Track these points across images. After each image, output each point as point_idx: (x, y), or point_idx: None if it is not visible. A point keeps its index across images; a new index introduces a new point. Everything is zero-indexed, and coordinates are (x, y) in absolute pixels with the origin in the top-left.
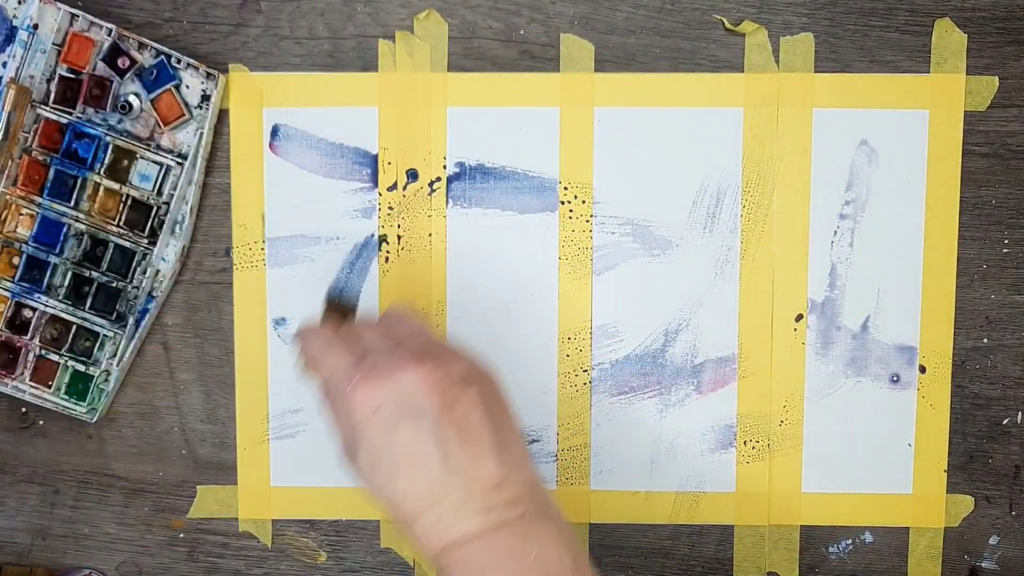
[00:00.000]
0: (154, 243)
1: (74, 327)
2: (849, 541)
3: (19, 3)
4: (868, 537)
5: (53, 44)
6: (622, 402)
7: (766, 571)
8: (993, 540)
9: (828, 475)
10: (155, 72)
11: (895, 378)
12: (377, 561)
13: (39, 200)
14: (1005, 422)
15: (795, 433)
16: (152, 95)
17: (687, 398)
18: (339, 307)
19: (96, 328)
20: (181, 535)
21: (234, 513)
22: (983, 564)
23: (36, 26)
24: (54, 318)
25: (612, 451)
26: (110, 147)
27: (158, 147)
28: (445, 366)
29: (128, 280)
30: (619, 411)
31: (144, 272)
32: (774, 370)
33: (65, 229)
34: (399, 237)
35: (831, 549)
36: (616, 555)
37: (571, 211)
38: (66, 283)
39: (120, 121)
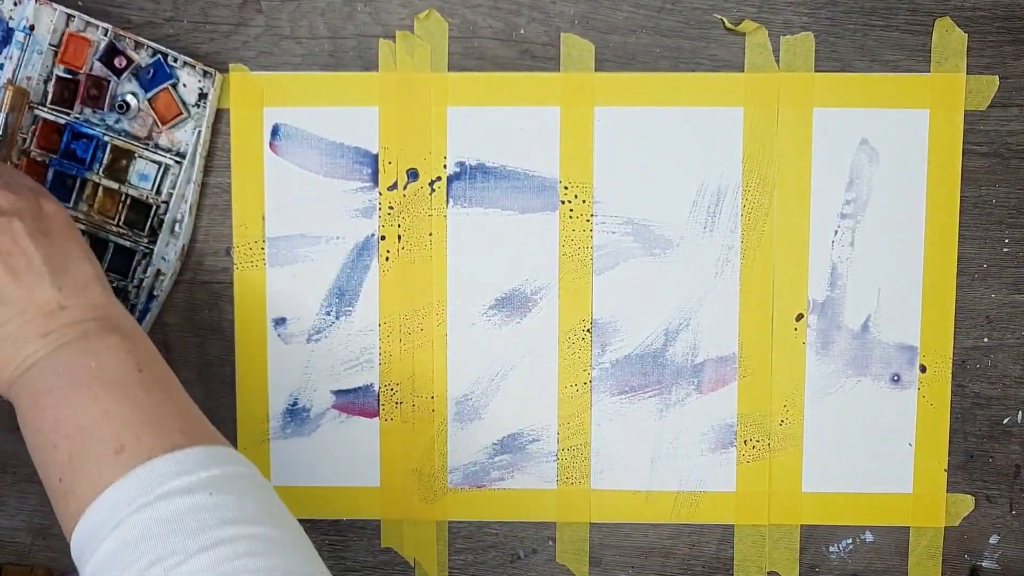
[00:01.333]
0: (154, 242)
1: None
2: (849, 540)
3: (15, 4)
4: (868, 536)
5: (50, 45)
6: (622, 402)
7: (766, 571)
8: (993, 539)
9: (828, 475)
10: (152, 71)
11: (896, 378)
12: (377, 561)
13: None
14: (1005, 421)
15: (795, 433)
16: (149, 94)
17: (687, 398)
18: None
19: None
20: None
21: None
22: (983, 563)
23: (32, 27)
24: None
25: (612, 451)
26: (108, 147)
27: (156, 146)
28: None
29: (129, 279)
30: (619, 411)
31: (144, 271)
32: (774, 370)
33: None
34: (399, 237)
35: (831, 548)
36: (616, 554)
37: (571, 211)
38: None
39: (118, 121)
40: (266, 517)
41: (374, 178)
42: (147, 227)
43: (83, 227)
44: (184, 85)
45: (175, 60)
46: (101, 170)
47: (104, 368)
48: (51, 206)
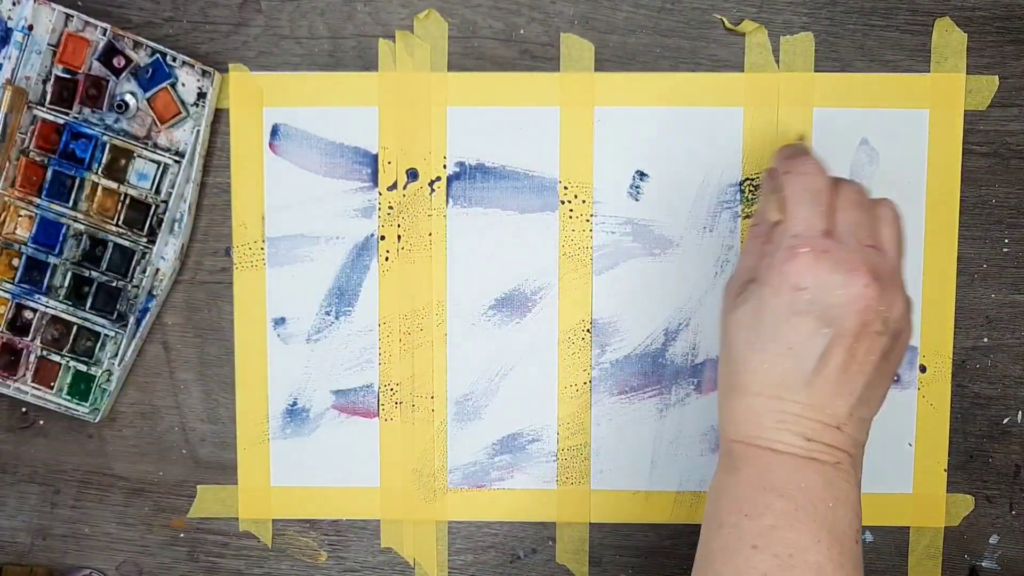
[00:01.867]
0: (153, 242)
1: (75, 327)
2: None
3: (13, 4)
4: (868, 536)
5: (48, 45)
6: (622, 402)
7: None
8: (993, 539)
9: None
10: (151, 71)
11: (895, 378)
12: (377, 561)
13: (37, 201)
14: (1005, 421)
15: None
16: (148, 94)
17: (687, 398)
18: None
19: (97, 328)
20: (181, 535)
21: (234, 513)
22: (983, 563)
23: (31, 27)
24: (55, 319)
25: (612, 451)
26: (107, 146)
27: (155, 146)
28: (887, 302)
29: (128, 279)
30: (619, 411)
31: (144, 271)
32: None
33: (64, 229)
34: (399, 237)
35: None
36: (616, 554)
37: (571, 211)
38: (66, 284)
39: (117, 120)
40: None
41: (374, 178)
42: (146, 226)
43: (82, 226)
44: (183, 84)
45: (174, 59)
46: (100, 170)
47: (837, 517)
48: (909, 332)
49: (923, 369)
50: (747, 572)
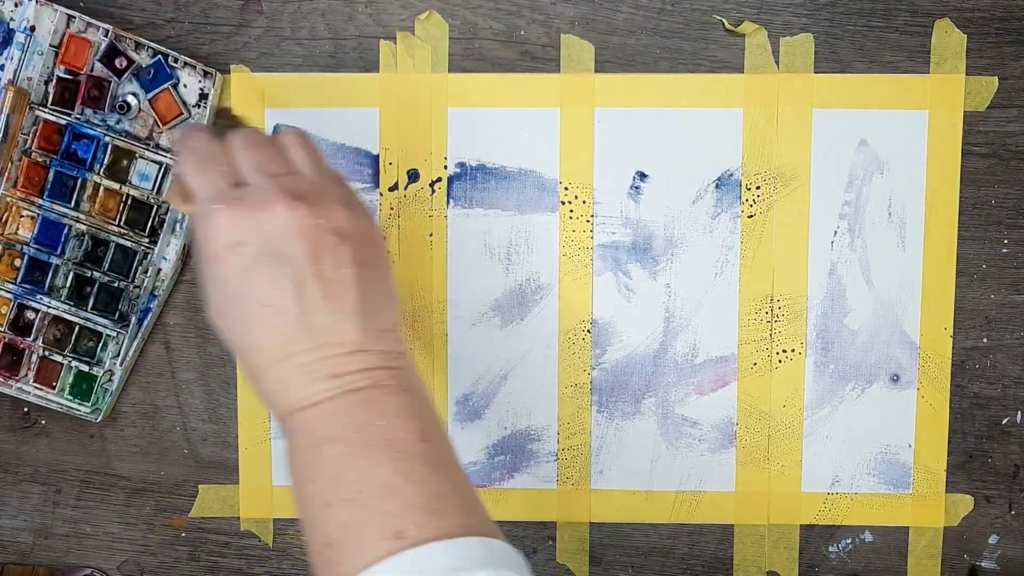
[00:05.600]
0: (155, 242)
1: (77, 328)
2: (849, 540)
3: (16, 5)
4: (868, 536)
5: (50, 46)
6: (622, 401)
7: (766, 570)
8: (993, 539)
9: (828, 475)
10: (153, 72)
11: (895, 378)
12: None
13: (39, 201)
14: (1004, 422)
15: (795, 433)
16: (150, 95)
17: (687, 398)
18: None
19: (99, 328)
20: (183, 534)
21: (236, 512)
22: (983, 563)
23: (33, 28)
24: (57, 319)
25: (612, 451)
26: (109, 147)
27: (157, 146)
28: (324, 213)
29: (130, 280)
30: (619, 411)
31: (146, 271)
32: (774, 370)
33: (66, 230)
34: (399, 237)
35: (831, 548)
36: (617, 554)
37: (571, 211)
38: (68, 284)
39: (119, 121)
40: None
41: (375, 179)
42: (148, 227)
43: (84, 227)
44: (185, 85)
45: (176, 60)
46: (102, 170)
47: (390, 431)
48: (378, 234)
49: (923, 369)
50: (332, 532)
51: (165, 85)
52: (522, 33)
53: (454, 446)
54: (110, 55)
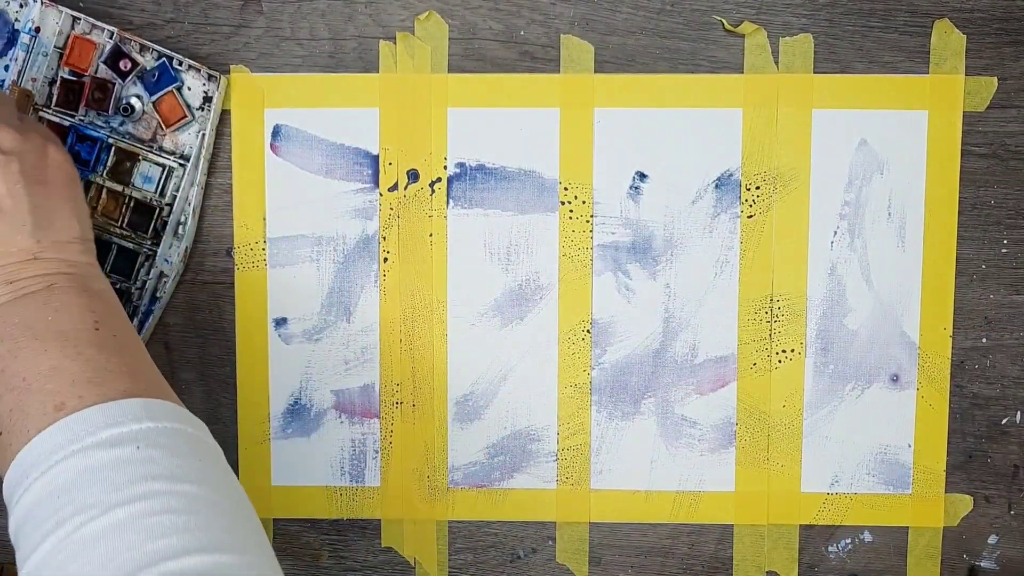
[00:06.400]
0: (157, 244)
1: None
2: (848, 540)
3: (21, 6)
4: (867, 536)
5: (55, 47)
6: (622, 401)
7: (766, 570)
8: (992, 539)
9: (827, 475)
10: (157, 74)
11: (895, 378)
12: (378, 560)
13: None
14: (1004, 422)
15: (794, 433)
16: (154, 97)
17: (687, 398)
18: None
19: None
20: None
21: None
22: (982, 563)
23: (38, 29)
24: None
25: (612, 451)
26: (112, 149)
27: (160, 149)
28: None
29: (132, 282)
30: (619, 411)
31: (148, 273)
32: (773, 370)
33: None
34: (399, 237)
35: (830, 548)
36: (616, 554)
37: (571, 211)
38: None
39: (122, 123)
40: (195, 475)
41: (375, 179)
42: (150, 229)
43: None
44: (189, 88)
45: (180, 63)
46: (105, 172)
47: (60, 323)
48: (58, 156)
49: (922, 369)
50: (3, 421)
51: (169, 88)
52: (522, 34)
53: (139, 338)
54: (114, 57)
